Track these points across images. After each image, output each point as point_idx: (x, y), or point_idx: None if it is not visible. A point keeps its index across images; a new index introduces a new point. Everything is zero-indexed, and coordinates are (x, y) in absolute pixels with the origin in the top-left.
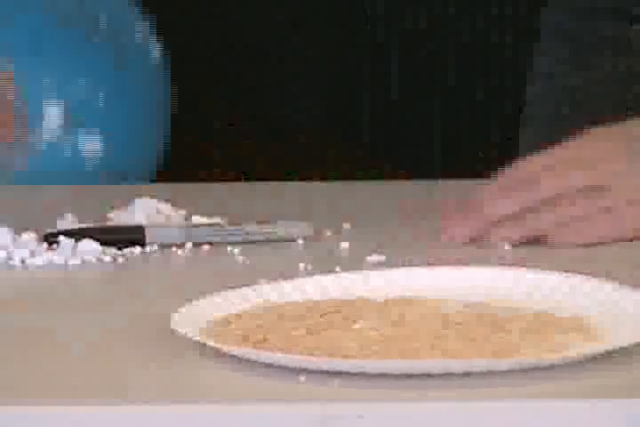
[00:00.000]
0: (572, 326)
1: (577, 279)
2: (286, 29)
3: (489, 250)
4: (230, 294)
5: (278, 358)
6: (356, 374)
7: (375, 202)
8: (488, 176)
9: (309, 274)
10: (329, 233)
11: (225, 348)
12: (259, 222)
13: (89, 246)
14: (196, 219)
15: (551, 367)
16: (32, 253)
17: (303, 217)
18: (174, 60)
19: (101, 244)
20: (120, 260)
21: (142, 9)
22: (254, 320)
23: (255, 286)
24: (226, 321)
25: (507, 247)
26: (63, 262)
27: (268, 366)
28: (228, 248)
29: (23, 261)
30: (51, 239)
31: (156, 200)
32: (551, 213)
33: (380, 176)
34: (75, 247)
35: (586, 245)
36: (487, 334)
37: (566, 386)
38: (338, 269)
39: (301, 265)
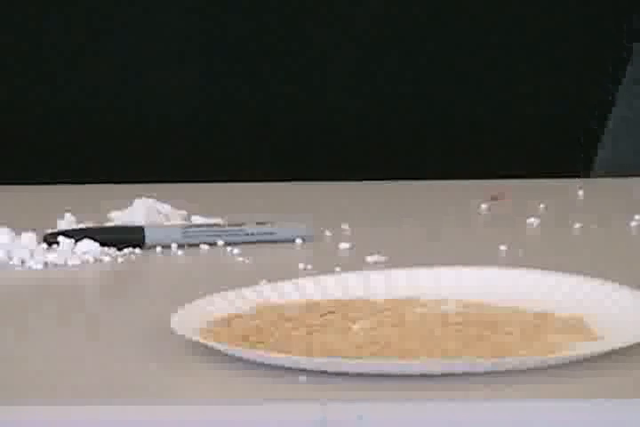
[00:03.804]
0: (571, 326)
1: (577, 279)
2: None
3: (489, 250)
4: (230, 294)
5: (278, 358)
6: (355, 375)
7: (375, 202)
8: (488, 177)
9: (309, 274)
10: (329, 233)
11: (225, 348)
12: (259, 222)
13: (88, 247)
14: (196, 219)
15: (551, 367)
16: (31, 253)
17: (303, 217)
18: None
19: (101, 244)
20: (120, 260)
21: None
22: (254, 320)
23: (255, 286)
24: (226, 321)
25: (505, 248)
26: (63, 263)
27: (268, 366)
28: (228, 248)
29: (23, 262)
30: (50, 240)
31: (156, 200)
32: None
33: (380, 176)
34: (74, 248)
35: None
36: (487, 334)
37: (566, 386)
38: (338, 269)
39: (301, 265)
